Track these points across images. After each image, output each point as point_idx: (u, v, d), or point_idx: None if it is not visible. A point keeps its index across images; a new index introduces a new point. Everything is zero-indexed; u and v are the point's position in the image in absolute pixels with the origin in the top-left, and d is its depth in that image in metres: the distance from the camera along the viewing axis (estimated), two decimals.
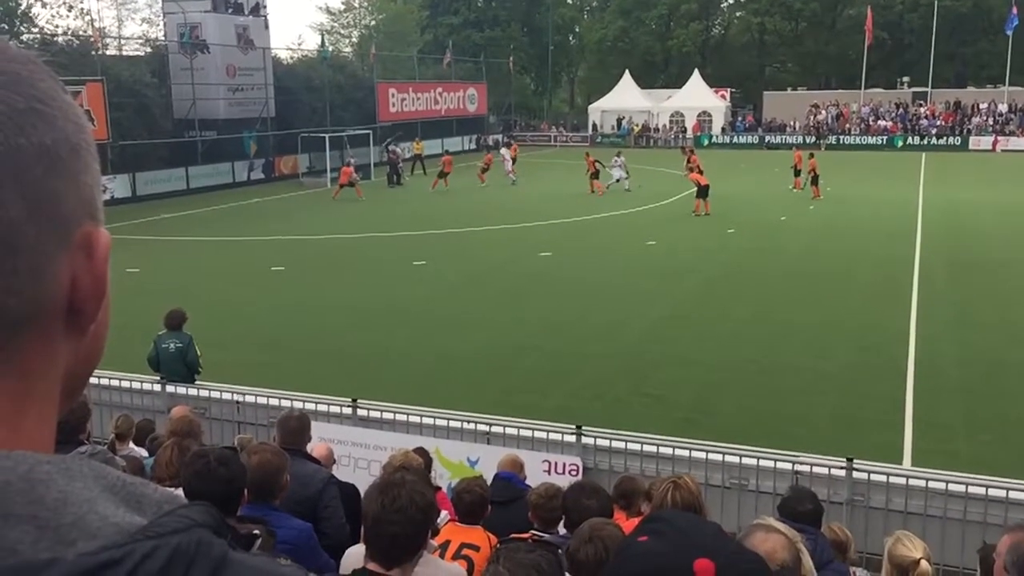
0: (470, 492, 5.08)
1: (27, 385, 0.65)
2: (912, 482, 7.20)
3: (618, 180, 33.30)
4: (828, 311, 15.82)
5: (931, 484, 7.11)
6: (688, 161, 32.64)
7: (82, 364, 0.70)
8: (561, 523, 4.85)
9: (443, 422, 8.60)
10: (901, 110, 56.98)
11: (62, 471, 0.60)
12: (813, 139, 54.03)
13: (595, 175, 33.27)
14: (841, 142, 54.61)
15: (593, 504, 4.56)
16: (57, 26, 38.77)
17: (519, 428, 8.37)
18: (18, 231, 0.61)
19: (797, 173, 32.78)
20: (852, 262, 20.01)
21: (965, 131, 53.67)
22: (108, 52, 39.32)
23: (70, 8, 38.60)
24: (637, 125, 60.31)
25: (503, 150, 39.88)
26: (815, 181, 30.88)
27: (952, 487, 7.06)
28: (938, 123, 54.87)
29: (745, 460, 7.54)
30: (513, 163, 37.97)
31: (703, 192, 27.59)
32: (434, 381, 12.26)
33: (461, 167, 37.92)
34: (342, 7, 76.16)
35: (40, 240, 0.63)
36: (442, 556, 4.64)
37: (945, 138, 53.33)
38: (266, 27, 42.70)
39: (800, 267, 19.74)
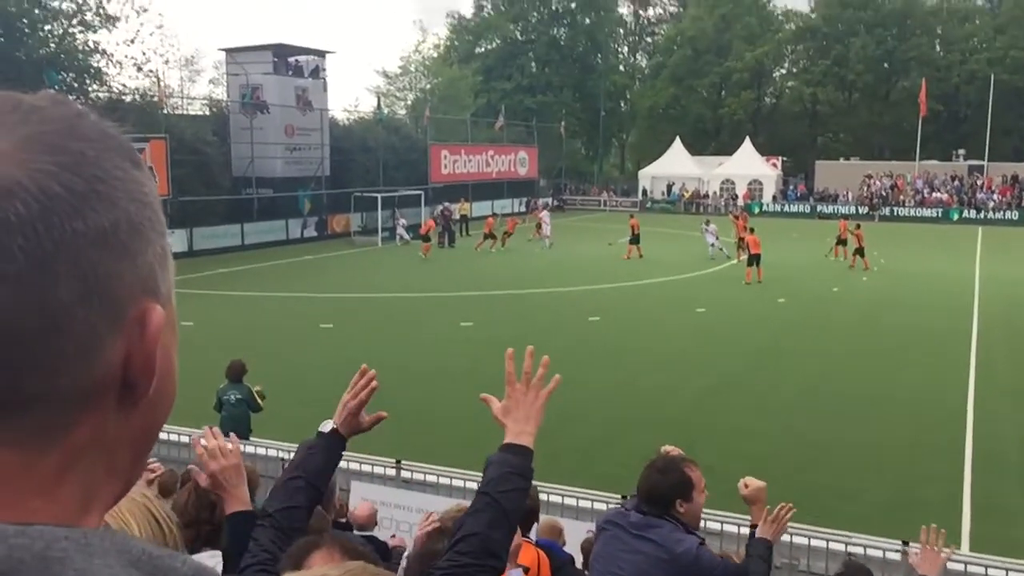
0: None
1: (71, 457, 0.64)
2: (971, 568, 6.90)
3: (713, 246, 33.35)
4: (883, 385, 15.45)
5: (991, 572, 6.82)
6: (739, 228, 32.61)
7: (137, 434, 0.70)
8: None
9: None
10: (957, 182, 56.26)
11: (81, 547, 0.59)
12: (866, 210, 53.51)
13: (635, 239, 33.27)
14: (895, 213, 54.01)
15: (656, 478, 4.06)
16: (125, 85, 40.23)
17: (563, 495, 8.23)
18: (68, 313, 0.61)
19: (842, 243, 32.41)
20: (907, 336, 19.59)
21: (1023, 206, 52.76)
22: (173, 111, 40.56)
23: (139, 68, 40.05)
24: (687, 191, 60.36)
25: (543, 213, 40.34)
26: (861, 252, 30.46)
27: (1013, 575, 6.76)
28: (995, 197, 54.02)
29: (796, 539, 7.31)
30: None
31: (754, 260, 27.39)
32: (478, 444, 12.11)
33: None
34: (399, 71, 77.97)
35: (91, 322, 0.62)
36: None
37: (1003, 212, 52.44)
38: (324, 89, 43.84)
39: (853, 339, 19.37)
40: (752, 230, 29.08)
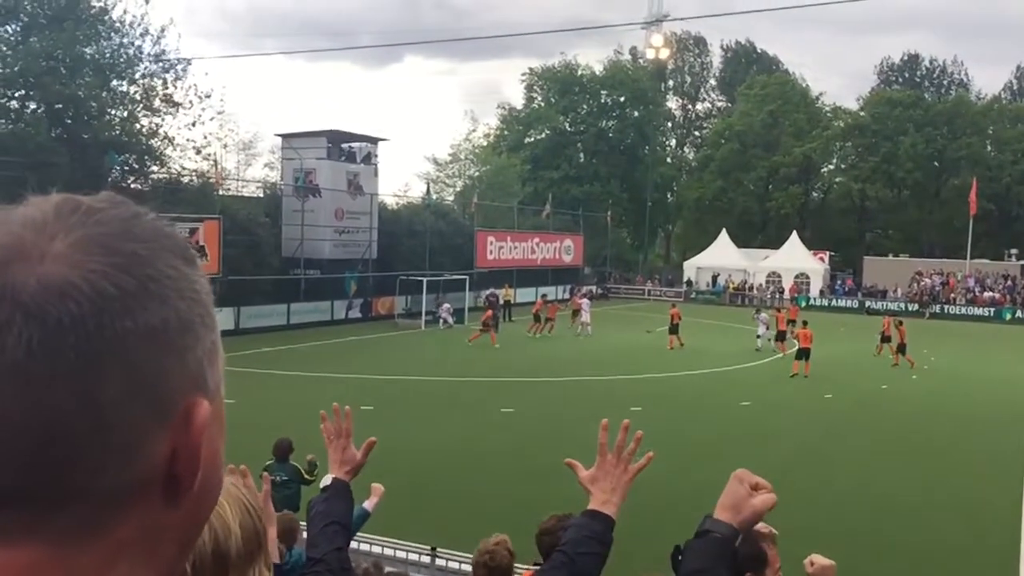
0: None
1: (113, 553, 0.65)
2: None
3: (760, 336, 33.40)
4: (933, 488, 14.98)
5: None
6: (779, 321, 32.40)
7: (182, 527, 0.70)
8: None
9: None
10: (1009, 282, 55.35)
11: None
12: (916, 307, 52.73)
13: (674, 329, 33.09)
14: (946, 311, 53.12)
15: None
16: (184, 167, 41.57)
17: None
18: (116, 410, 0.62)
19: (886, 340, 31.89)
20: (957, 438, 19.05)
21: None
22: (228, 193, 41.72)
23: (198, 151, 41.43)
24: (733, 283, 60.11)
25: (583, 300, 40.33)
26: (902, 349, 30.00)
27: None
28: None
29: None
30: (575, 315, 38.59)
31: (804, 354, 27.00)
32: (516, 532, 11.92)
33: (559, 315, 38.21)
34: (448, 158, 79.67)
35: (138, 418, 0.63)
36: None
37: None
38: (375, 174, 44.86)
39: (902, 439, 18.86)
40: (805, 323, 28.82)
